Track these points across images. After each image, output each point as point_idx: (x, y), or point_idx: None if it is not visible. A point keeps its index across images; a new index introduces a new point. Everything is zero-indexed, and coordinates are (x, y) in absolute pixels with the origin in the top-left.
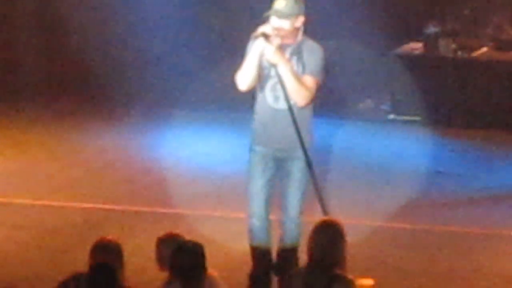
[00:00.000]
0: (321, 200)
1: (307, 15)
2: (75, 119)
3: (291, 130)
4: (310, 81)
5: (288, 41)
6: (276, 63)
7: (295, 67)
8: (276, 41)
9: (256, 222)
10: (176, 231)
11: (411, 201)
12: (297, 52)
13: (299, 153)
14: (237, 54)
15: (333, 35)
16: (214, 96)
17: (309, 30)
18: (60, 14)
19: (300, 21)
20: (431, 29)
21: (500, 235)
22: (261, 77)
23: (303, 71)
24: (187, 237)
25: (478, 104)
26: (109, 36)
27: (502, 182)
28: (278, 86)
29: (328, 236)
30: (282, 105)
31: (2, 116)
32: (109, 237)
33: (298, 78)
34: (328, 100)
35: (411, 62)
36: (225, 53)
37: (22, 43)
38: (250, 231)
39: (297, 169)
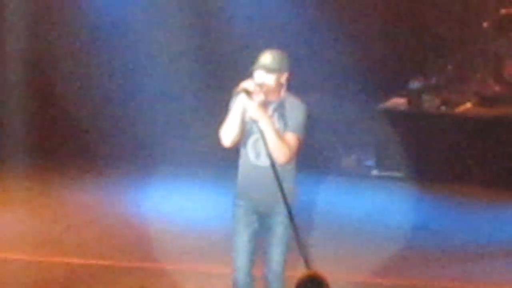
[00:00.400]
0: (304, 255)
1: (291, 70)
2: (58, 174)
3: (273, 186)
4: (291, 138)
5: (271, 97)
6: (257, 120)
7: (276, 124)
8: (259, 97)
9: (241, 277)
10: (160, 286)
11: (395, 257)
12: (280, 109)
13: (282, 208)
14: (222, 110)
15: (317, 90)
16: (199, 151)
17: (293, 85)
18: (46, 66)
19: (284, 77)
20: (415, 84)
21: None
22: (244, 133)
23: (285, 128)
24: None
25: (462, 160)
26: (92, 90)
27: (487, 237)
28: (260, 143)
29: None
30: (263, 161)
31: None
32: None
33: (279, 135)
34: (311, 155)
35: (395, 118)
36: (210, 109)
37: (5, 95)
38: (235, 286)
39: (279, 224)
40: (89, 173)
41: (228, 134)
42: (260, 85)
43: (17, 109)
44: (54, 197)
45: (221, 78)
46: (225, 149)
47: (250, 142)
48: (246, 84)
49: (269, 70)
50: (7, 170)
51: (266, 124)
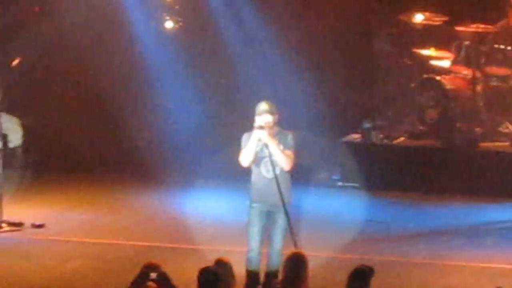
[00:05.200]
0: (294, 239)
1: (281, 114)
2: (125, 186)
3: (277, 192)
4: (290, 153)
5: (270, 131)
6: (267, 142)
7: (279, 145)
8: (267, 129)
9: (253, 255)
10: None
11: (354, 240)
12: (277, 137)
13: (282, 207)
14: (237, 142)
15: (298, 127)
16: (223, 170)
17: (280, 123)
18: (103, 96)
19: (277, 117)
20: (366, 124)
21: (425, 263)
22: (257, 158)
23: (285, 147)
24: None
25: (398, 175)
26: (145, 121)
27: (417, 225)
28: (269, 163)
29: (295, 262)
30: (270, 174)
31: (79, 184)
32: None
33: (281, 151)
34: (300, 173)
35: (353, 147)
36: (230, 141)
37: (79, 128)
38: (248, 260)
39: (280, 218)
40: (146, 184)
41: (248, 158)
42: (266, 123)
43: (87, 137)
44: (124, 201)
45: (233, 117)
46: (237, 168)
47: (263, 163)
48: (259, 122)
49: (271, 113)
50: (93, 183)
51: (273, 144)
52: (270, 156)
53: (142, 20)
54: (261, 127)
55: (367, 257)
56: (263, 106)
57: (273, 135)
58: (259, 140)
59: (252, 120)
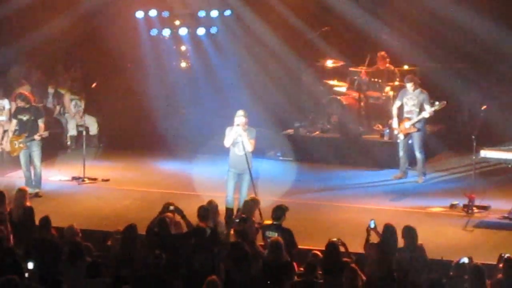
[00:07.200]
0: (254, 190)
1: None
2: (157, 156)
3: (245, 162)
4: (253, 141)
5: (243, 127)
6: (241, 134)
7: (248, 136)
8: (241, 126)
9: (229, 199)
10: (198, 201)
11: (287, 190)
12: (247, 131)
13: (247, 171)
14: (223, 132)
15: (257, 124)
16: (214, 148)
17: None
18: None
19: (247, 119)
20: (296, 124)
21: (327, 205)
22: (234, 142)
23: (250, 138)
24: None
25: (314, 153)
26: (168, 117)
27: (323, 182)
28: (240, 145)
29: (251, 203)
30: (241, 153)
31: (130, 155)
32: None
33: (249, 140)
34: (258, 151)
35: (289, 137)
36: (221, 130)
37: (130, 122)
38: (226, 202)
39: (246, 177)
40: (166, 156)
41: (228, 142)
42: (241, 122)
43: (131, 123)
44: (154, 166)
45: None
46: (222, 148)
47: (237, 145)
48: (237, 122)
49: (244, 116)
50: (135, 157)
51: (244, 135)
52: (242, 142)
53: (169, 60)
54: (238, 125)
55: (290, 200)
56: (240, 112)
57: (245, 130)
58: (236, 132)
59: (232, 118)
